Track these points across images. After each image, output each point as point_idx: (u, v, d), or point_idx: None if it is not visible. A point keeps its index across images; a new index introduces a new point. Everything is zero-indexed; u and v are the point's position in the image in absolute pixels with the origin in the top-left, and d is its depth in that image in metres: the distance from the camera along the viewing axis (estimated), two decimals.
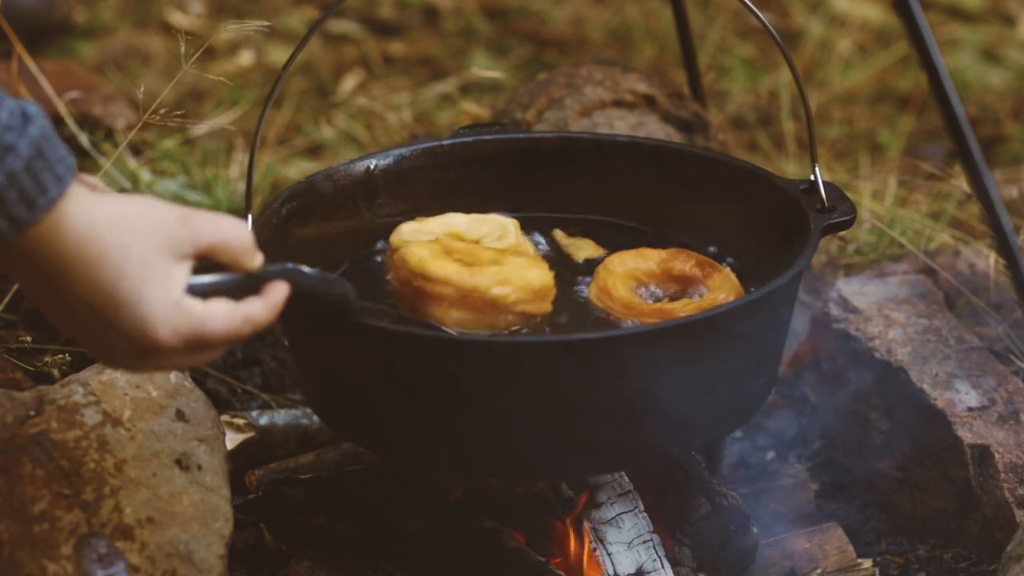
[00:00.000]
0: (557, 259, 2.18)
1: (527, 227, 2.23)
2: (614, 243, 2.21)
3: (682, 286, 2.09)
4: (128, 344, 1.53)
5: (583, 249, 2.21)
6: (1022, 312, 2.45)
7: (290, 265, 1.67)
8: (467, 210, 2.22)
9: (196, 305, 1.55)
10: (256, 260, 1.63)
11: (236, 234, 1.60)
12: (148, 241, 1.51)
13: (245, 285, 1.61)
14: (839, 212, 2.07)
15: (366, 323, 1.85)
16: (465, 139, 2.27)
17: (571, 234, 2.24)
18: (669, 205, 2.26)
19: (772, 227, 2.14)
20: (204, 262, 1.58)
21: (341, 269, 2.18)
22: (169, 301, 1.52)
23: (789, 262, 1.96)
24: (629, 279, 2.05)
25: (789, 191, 2.13)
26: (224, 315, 1.58)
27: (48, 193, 1.45)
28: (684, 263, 2.09)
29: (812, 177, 2.10)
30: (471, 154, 2.28)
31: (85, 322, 1.52)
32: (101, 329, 1.52)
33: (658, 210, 2.27)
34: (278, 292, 1.64)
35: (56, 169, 1.46)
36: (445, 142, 2.26)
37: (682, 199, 2.25)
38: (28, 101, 1.46)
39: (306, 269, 1.69)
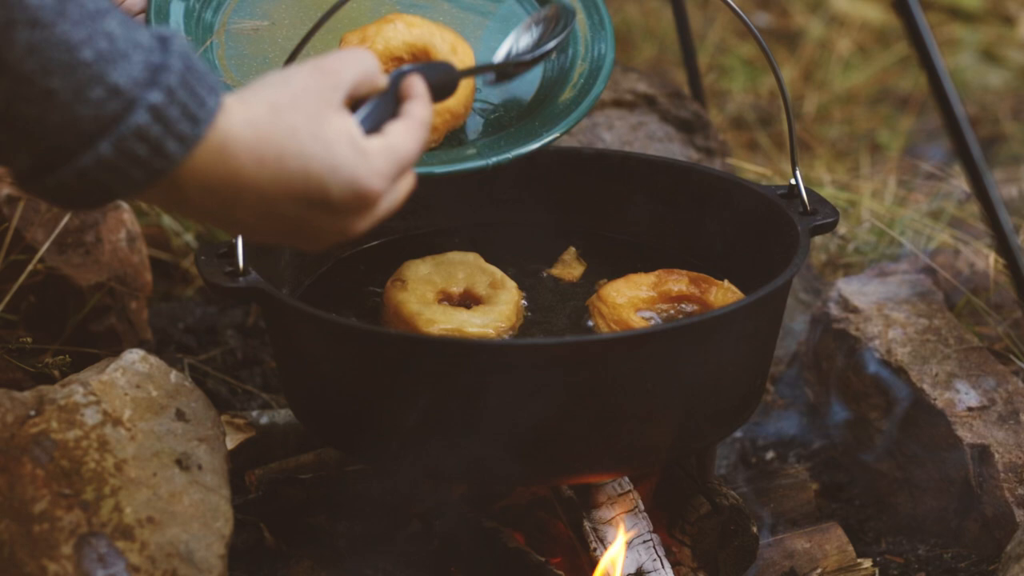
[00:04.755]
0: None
1: (499, 240, 2.22)
2: (592, 256, 2.21)
3: (679, 305, 2.07)
4: (343, 217, 1.52)
5: (568, 267, 2.19)
6: (1022, 312, 2.45)
7: (409, 71, 1.68)
8: (432, 225, 2.22)
9: (377, 141, 1.55)
10: (384, 77, 1.63)
11: (365, 63, 1.60)
12: (307, 112, 1.49)
13: (392, 100, 1.63)
14: (822, 215, 2.08)
15: (344, 323, 1.85)
16: None
17: (579, 256, 2.23)
18: (643, 216, 2.26)
19: (755, 234, 2.14)
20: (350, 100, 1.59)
21: (320, 272, 2.17)
22: (358, 151, 1.52)
23: (778, 267, 1.96)
24: (632, 309, 2.04)
25: (769, 197, 2.13)
26: (404, 132, 1.58)
27: (206, 105, 1.43)
28: (677, 282, 2.08)
29: (792, 181, 2.11)
30: None
31: (289, 221, 1.50)
32: (311, 219, 1.51)
33: (632, 220, 2.27)
34: (419, 86, 1.65)
35: (207, 79, 1.44)
36: None
37: (656, 210, 2.25)
38: (160, 27, 1.45)
39: (407, 67, 1.70)
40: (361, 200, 1.52)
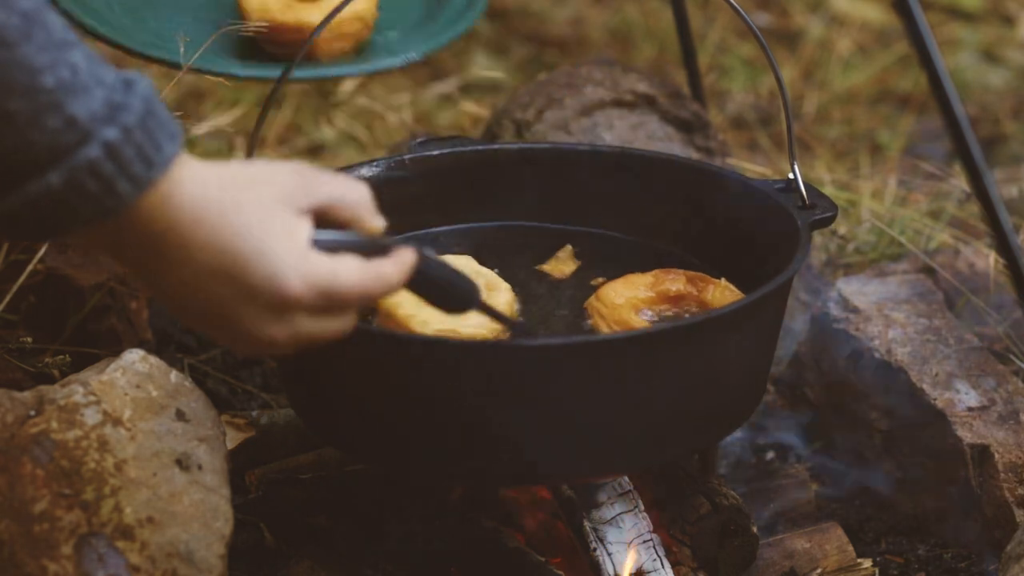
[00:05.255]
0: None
1: (494, 241, 2.23)
2: (588, 255, 2.21)
3: (677, 305, 2.07)
4: (258, 309, 1.48)
5: (560, 264, 2.19)
6: (1022, 312, 2.45)
7: (418, 246, 1.60)
8: (429, 224, 2.23)
9: (324, 259, 1.49)
10: (378, 221, 1.58)
11: (354, 191, 1.56)
12: (263, 195, 1.47)
13: (371, 249, 1.55)
14: (821, 209, 2.07)
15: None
16: (427, 152, 2.24)
17: (575, 254, 2.22)
18: (640, 212, 2.24)
19: (753, 229, 2.13)
20: (324, 221, 1.53)
21: None
22: (296, 251, 1.47)
23: (778, 262, 1.95)
24: (631, 309, 2.03)
25: (766, 191, 2.12)
26: (356, 270, 1.52)
27: (163, 151, 1.41)
28: (674, 282, 2.07)
29: (791, 175, 2.09)
30: (433, 167, 2.25)
31: (209, 297, 1.47)
32: (228, 300, 1.47)
33: (629, 218, 2.26)
34: (407, 257, 1.58)
35: (168, 127, 1.43)
36: (406, 156, 2.24)
37: (653, 206, 2.24)
38: (127, 71, 1.44)
39: (434, 255, 1.62)
40: (278, 296, 1.47)
